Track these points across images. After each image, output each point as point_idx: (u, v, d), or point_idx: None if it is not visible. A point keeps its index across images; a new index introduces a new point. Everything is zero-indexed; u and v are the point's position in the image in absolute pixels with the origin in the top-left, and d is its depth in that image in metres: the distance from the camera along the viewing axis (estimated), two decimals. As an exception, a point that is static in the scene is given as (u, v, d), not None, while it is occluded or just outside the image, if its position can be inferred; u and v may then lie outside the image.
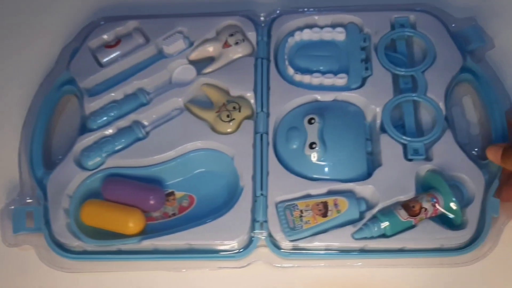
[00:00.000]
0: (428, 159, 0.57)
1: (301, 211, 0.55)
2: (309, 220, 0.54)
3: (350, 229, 0.54)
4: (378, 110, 0.59)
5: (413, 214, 0.54)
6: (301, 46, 0.64)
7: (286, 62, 0.62)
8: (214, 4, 0.69)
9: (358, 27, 0.64)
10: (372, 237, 0.54)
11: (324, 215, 0.55)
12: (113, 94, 0.62)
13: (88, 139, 0.60)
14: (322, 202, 0.55)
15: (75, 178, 0.58)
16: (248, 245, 0.56)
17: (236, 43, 0.63)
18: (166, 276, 0.56)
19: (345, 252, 0.55)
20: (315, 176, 0.57)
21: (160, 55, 0.64)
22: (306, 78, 0.61)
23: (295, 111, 0.61)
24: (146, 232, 0.57)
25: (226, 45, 0.63)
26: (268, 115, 0.60)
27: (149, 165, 0.59)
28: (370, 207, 0.56)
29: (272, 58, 0.63)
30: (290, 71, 0.62)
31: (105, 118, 0.61)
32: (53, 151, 0.63)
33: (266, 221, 0.56)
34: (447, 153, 0.57)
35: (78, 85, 0.63)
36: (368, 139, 0.59)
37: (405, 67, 0.62)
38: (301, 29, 0.64)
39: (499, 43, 0.63)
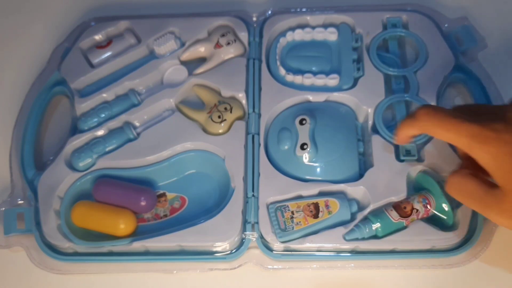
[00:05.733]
0: (419, 160, 0.57)
1: (292, 212, 0.55)
2: (300, 221, 0.54)
3: (341, 230, 0.54)
4: (370, 110, 0.59)
5: (404, 215, 0.53)
6: (292, 46, 0.63)
7: (278, 63, 0.61)
8: (205, 5, 0.69)
9: (350, 27, 0.64)
10: (363, 238, 0.54)
11: (315, 216, 0.54)
12: (104, 95, 0.62)
13: (79, 140, 0.60)
14: (313, 203, 0.55)
15: (66, 179, 0.58)
16: (240, 246, 0.56)
17: (228, 44, 0.63)
18: (157, 277, 0.56)
19: (336, 253, 0.55)
20: (306, 177, 0.57)
21: (152, 56, 0.64)
22: (298, 79, 0.61)
23: (286, 111, 0.60)
24: (137, 234, 0.57)
25: (217, 45, 0.63)
26: (259, 116, 0.60)
27: (140, 166, 0.59)
28: (361, 208, 0.55)
29: (263, 58, 0.63)
30: (282, 71, 0.61)
31: (96, 119, 0.61)
32: (44, 152, 0.63)
33: (257, 222, 0.55)
34: (438, 154, 0.56)
35: (69, 86, 0.63)
36: (359, 140, 0.59)
37: (397, 68, 0.61)
38: (293, 29, 0.64)
39: (492, 43, 0.62)
